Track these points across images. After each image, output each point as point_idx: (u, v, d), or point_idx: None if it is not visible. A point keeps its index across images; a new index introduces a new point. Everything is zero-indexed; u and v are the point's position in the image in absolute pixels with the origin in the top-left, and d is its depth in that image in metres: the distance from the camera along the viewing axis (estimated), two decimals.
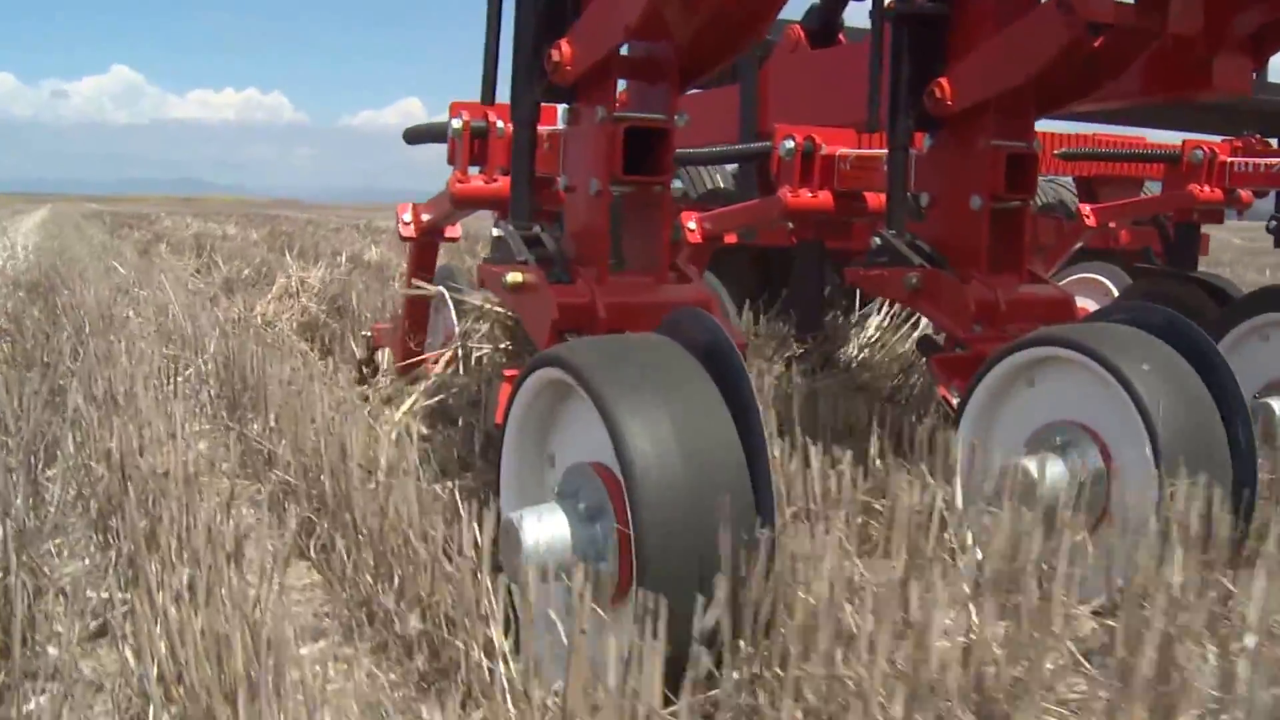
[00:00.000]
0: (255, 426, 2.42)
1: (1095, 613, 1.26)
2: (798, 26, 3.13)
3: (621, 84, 1.77)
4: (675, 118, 1.72)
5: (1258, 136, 3.44)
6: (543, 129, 1.97)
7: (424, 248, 2.91)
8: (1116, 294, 3.64)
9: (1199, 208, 3.28)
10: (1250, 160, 3.23)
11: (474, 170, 2.45)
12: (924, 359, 2.20)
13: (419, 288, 2.83)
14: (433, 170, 2.65)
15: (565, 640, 1.11)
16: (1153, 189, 4.01)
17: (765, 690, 1.05)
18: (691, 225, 2.81)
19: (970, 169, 2.03)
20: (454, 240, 2.87)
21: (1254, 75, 2.12)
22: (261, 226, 13.26)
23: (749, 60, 3.21)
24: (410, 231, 2.75)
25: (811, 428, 2.19)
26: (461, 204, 2.42)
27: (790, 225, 2.86)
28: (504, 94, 1.86)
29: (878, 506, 1.71)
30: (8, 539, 1.42)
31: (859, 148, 2.61)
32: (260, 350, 2.85)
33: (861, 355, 2.92)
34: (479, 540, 1.29)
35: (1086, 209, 3.58)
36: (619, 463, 1.21)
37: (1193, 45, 1.98)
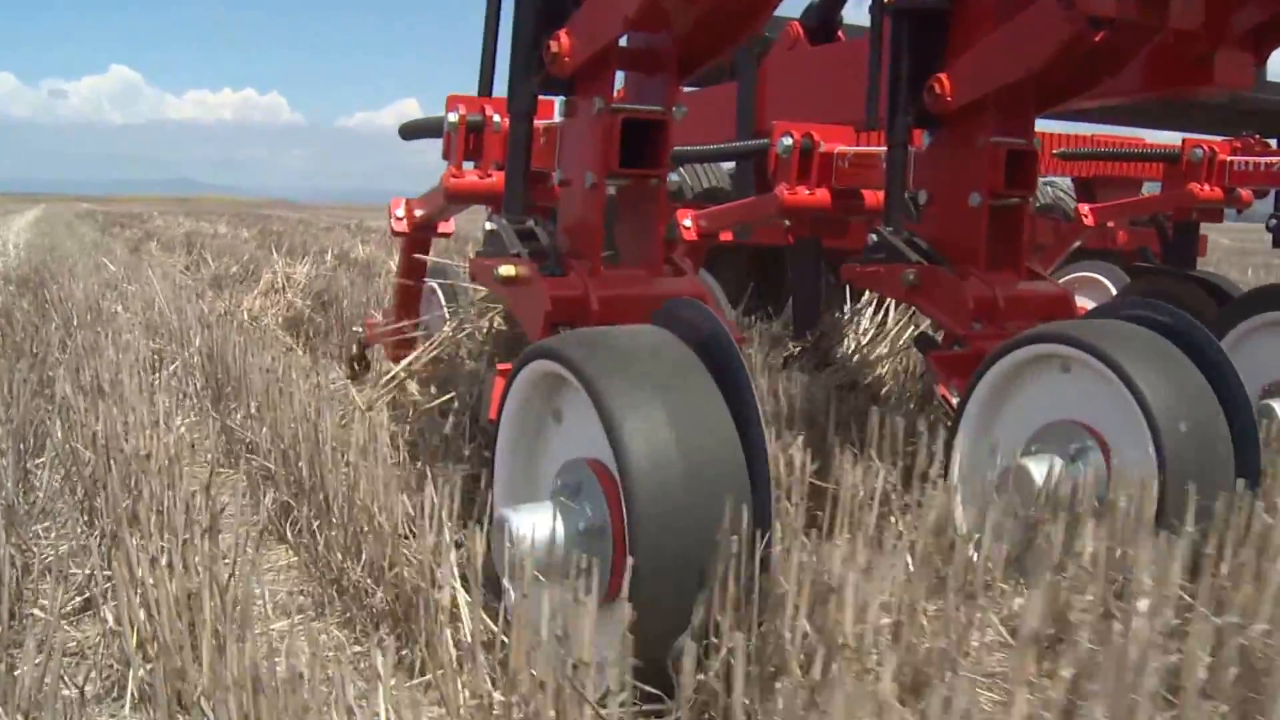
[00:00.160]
0: (238, 416, 2.46)
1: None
2: (796, 23, 3.12)
3: (619, 80, 1.76)
4: (673, 109, 1.70)
5: (1257, 136, 3.43)
6: (539, 123, 1.95)
7: (416, 244, 2.88)
8: (1115, 293, 3.63)
9: (1198, 207, 3.27)
10: (1250, 159, 3.22)
11: (469, 165, 2.43)
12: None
13: (410, 283, 2.81)
14: (429, 172, 2.63)
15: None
16: (1151, 190, 4.00)
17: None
18: (687, 223, 2.79)
19: (970, 166, 2.02)
20: (447, 236, 2.84)
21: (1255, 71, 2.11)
22: (253, 225, 13.28)
23: (747, 57, 3.19)
24: (403, 227, 2.72)
25: (789, 419, 2.22)
26: (455, 199, 2.40)
27: (787, 223, 2.84)
28: (501, 87, 1.84)
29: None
30: None
31: (857, 145, 2.59)
32: (242, 341, 2.90)
33: (858, 355, 2.90)
34: (441, 514, 1.33)
35: (1085, 208, 3.57)
36: (614, 458, 1.19)
37: (1194, 40, 1.96)
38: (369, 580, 1.53)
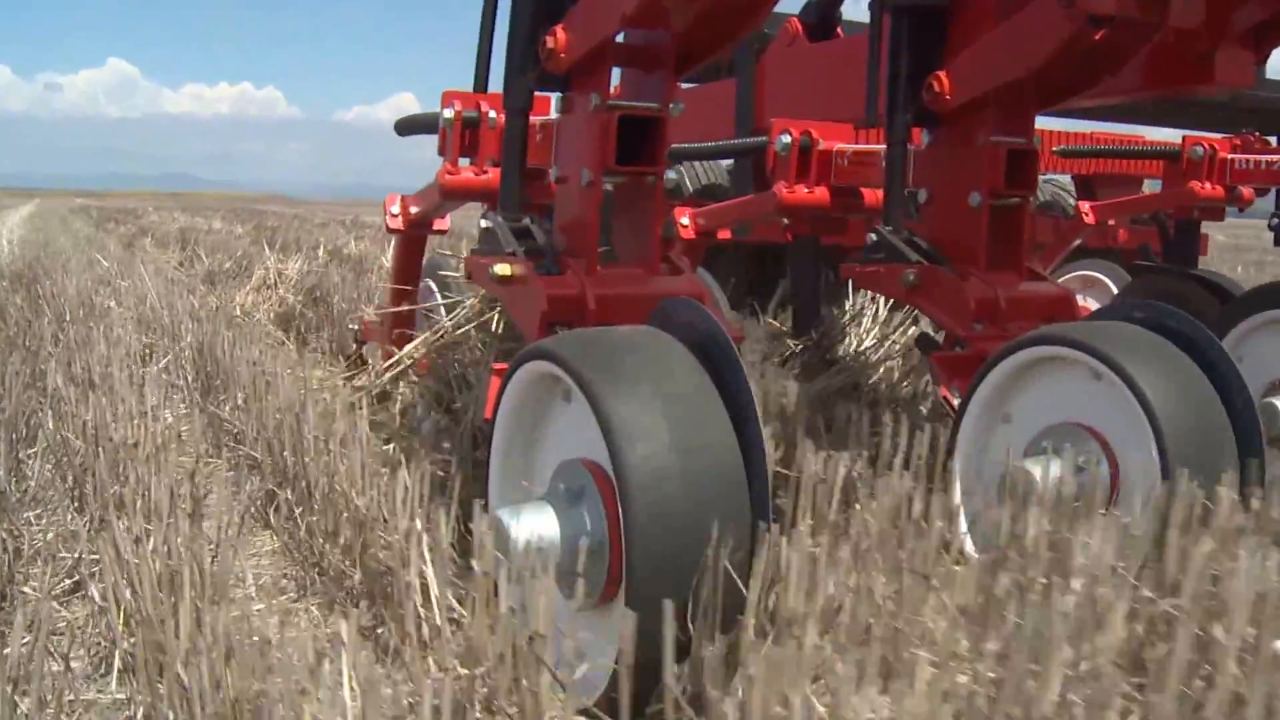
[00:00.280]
0: (226, 408, 2.52)
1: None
2: (795, 19, 3.10)
3: (616, 76, 1.75)
4: (670, 106, 1.69)
5: (1257, 134, 3.41)
6: (535, 119, 1.93)
7: (412, 241, 2.86)
8: (1115, 292, 3.61)
9: (1199, 205, 3.26)
10: (1251, 157, 3.21)
11: (465, 162, 2.41)
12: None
13: (406, 279, 2.79)
14: (426, 167, 2.62)
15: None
16: (1152, 188, 3.99)
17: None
18: (685, 221, 2.77)
19: (969, 165, 2.00)
20: (442, 233, 2.82)
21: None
22: (248, 221, 13.28)
23: (745, 54, 3.17)
24: (398, 224, 2.70)
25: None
26: (451, 196, 2.38)
27: (785, 221, 2.82)
28: (497, 83, 1.82)
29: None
30: None
31: (856, 143, 2.57)
32: (231, 336, 2.97)
33: (862, 354, 2.90)
34: (413, 500, 1.39)
35: (1085, 206, 3.55)
36: (611, 460, 1.18)
37: (1194, 39, 1.95)
38: (346, 563, 1.59)
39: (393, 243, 2.93)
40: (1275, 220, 3.28)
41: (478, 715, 1.05)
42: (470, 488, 1.93)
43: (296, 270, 5.11)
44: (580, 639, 1.10)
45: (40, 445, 2.23)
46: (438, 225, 2.77)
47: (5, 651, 1.18)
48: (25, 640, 1.20)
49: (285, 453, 1.98)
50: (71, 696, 1.27)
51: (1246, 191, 3.26)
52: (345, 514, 1.63)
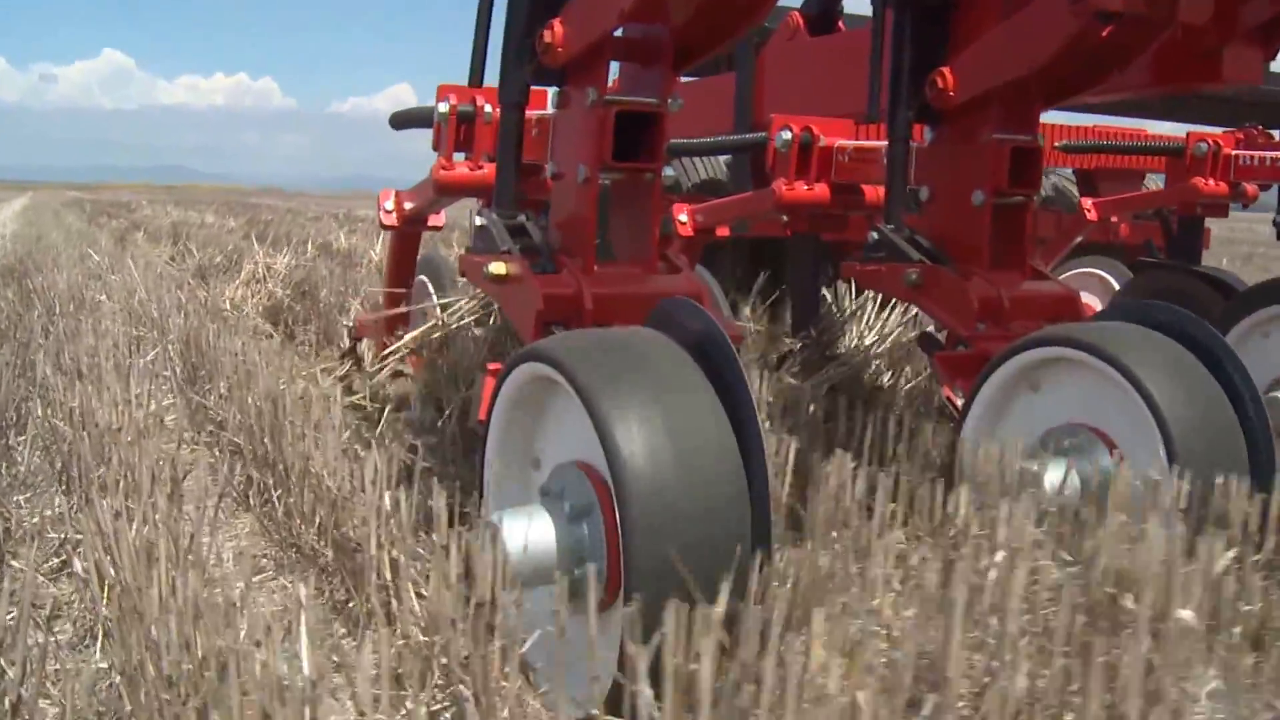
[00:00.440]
0: (211, 397, 2.61)
1: None
2: (796, 13, 3.06)
3: (614, 69, 1.71)
4: (669, 101, 1.65)
5: (1259, 128, 3.39)
6: (531, 113, 1.90)
7: (406, 237, 2.83)
8: (1117, 289, 3.58)
9: (1203, 201, 3.23)
10: (1255, 153, 3.18)
11: (460, 157, 2.37)
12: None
13: (401, 277, 2.77)
14: (422, 159, 2.58)
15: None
16: (1154, 182, 3.96)
17: None
18: (683, 218, 2.74)
19: (973, 162, 1.98)
20: (437, 229, 2.78)
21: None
22: (242, 215, 13.30)
23: (745, 48, 3.13)
24: (392, 220, 2.66)
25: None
26: (446, 191, 2.35)
27: (784, 219, 2.79)
28: (493, 77, 1.79)
29: None
30: None
31: (857, 139, 2.54)
32: (216, 328, 3.06)
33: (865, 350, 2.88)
34: (380, 478, 1.45)
35: (1088, 203, 3.52)
36: (608, 463, 1.15)
37: (1202, 35, 1.92)
38: (320, 542, 1.68)
39: (389, 238, 2.90)
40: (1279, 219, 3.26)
41: (437, 680, 1.12)
42: (441, 470, 2.09)
43: (285, 265, 5.15)
44: (579, 645, 1.07)
45: (30, 432, 2.30)
46: (432, 221, 2.73)
47: None
48: (11, 614, 1.23)
49: (265, 439, 2.05)
50: (56, 665, 1.32)
51: (1250, 188, 3.24)
52: (319, 495, 1.72)
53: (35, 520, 1.85)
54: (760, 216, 2.79)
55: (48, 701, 1.22)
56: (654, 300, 1.41)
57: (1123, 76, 1.96)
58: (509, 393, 1.42)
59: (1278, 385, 2.24)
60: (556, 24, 1.62)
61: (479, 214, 1.79)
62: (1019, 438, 1.65)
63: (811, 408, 2.25)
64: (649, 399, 1.18)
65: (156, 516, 1.42)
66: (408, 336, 2.61)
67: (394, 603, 1.32)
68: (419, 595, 1.29)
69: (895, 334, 2.89)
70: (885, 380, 2.75)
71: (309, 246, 6.98)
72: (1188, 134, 3.31)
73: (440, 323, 2.56)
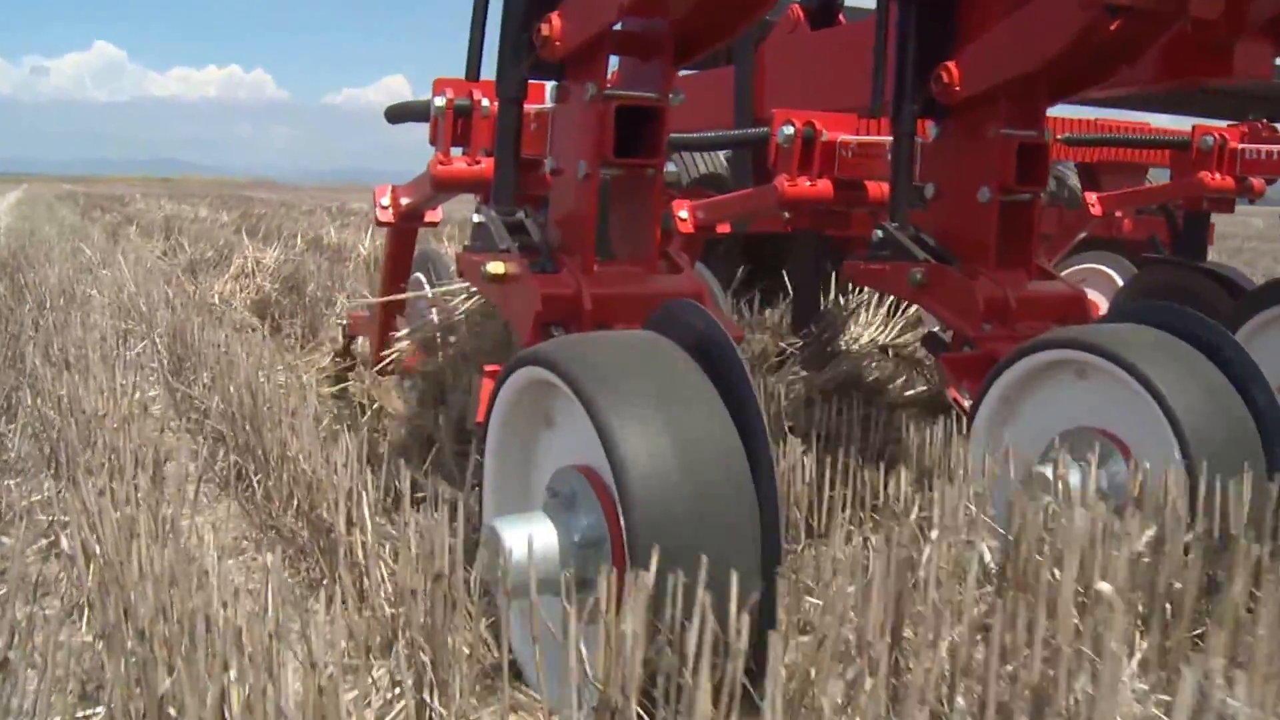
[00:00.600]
0: (196, 387, 2.69)
1: None
2: (797, 6, 3.02)
3: (613, 63, 1.68)
4: (670, 96, 1.62)
5: (1264, 121, 3.34)
6: (530, 107, 1.86)
7: (403, 233, 2.79)
8: (1121, 285, 3.54)
9: (1209, 196, 3.18)
10: (1261, 147, 3.14)
11: (457, 151, 2.33)
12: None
13: (397, 275, 2.73)
14: (417, 151, 2.54)
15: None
16: (1157, 176, 3.91)
17: None
18: (683, 215, 2.70)
19: (979, 159, 1.95)
20: (434, 225, 2.74)
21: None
22: (235, 208, 13.28)
23: (745, 41, 3.10)
24: (388, 216, 2.61)
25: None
26: (442, 187, 2.31)
27: (786, 215, 2.76)
28: (490, 70, 1.75)
29: None
30: None
31: (860, 134, 2.50)
32: (201, 321, 3.17)
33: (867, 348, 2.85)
34: (352, 463, 1.52)
35: (1092, 198, 3.47)
36: (610, 468, 1.12)
37: (1212, 29, 1.89)
38: (298, 523, 1.75)
39: (386, 234, 2.86)
40: None
41: (403, 650, 1.18)
42: (410, 453, 2.15)
43: (273, 259, 5.18)
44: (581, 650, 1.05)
45: (20, 420, 2.38)
46: (429, 217, 2.69)
47: None
48: (1, 589, 1.28)
49: (246, 426, 2.14)
50: (43, 637, 1.34)
51: (1257, 182, 3.19)
52: (295, 478, 1.81)
53: (25, 504, 1.91)
54: (763, 213, 2.75)
55: (34, 671, 1.24)
56: (655, 301, 1.38)
57: (1132, 71, 1.93)
58: (507, 395, 1.38)
59: None
60: (555, 17, 1.59)
61: (478, 211, 1.76)
62: (1030, 441, 1.63)
63: (812, 408, 2.23)
64: (654, 404, 1.15)
65: (139, 495, 1.51)
66: (405, 333, 2.57)
67: (365, 580, 1.40)
68: (389, 572, 1.36)
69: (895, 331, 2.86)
70: (887, 382, 2.73)
71: (299, 241, 7.06)
72: (1193, 127, 3.27)
73: (438, 315, 2.51)
